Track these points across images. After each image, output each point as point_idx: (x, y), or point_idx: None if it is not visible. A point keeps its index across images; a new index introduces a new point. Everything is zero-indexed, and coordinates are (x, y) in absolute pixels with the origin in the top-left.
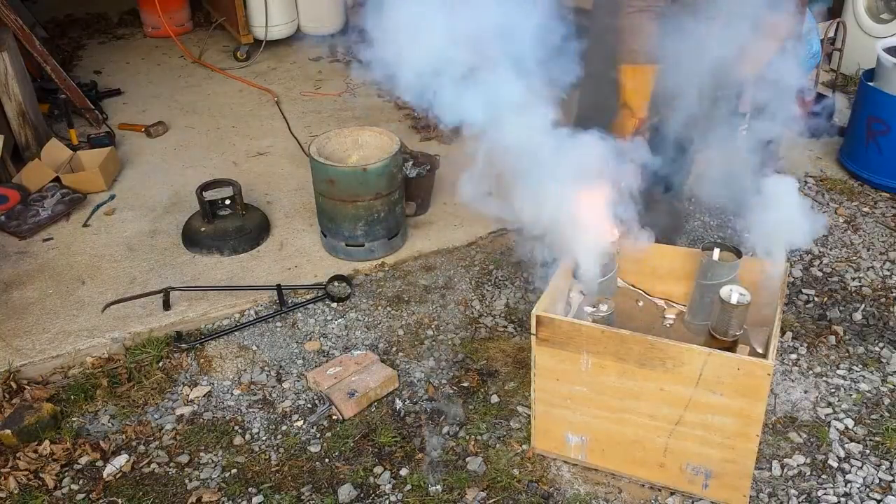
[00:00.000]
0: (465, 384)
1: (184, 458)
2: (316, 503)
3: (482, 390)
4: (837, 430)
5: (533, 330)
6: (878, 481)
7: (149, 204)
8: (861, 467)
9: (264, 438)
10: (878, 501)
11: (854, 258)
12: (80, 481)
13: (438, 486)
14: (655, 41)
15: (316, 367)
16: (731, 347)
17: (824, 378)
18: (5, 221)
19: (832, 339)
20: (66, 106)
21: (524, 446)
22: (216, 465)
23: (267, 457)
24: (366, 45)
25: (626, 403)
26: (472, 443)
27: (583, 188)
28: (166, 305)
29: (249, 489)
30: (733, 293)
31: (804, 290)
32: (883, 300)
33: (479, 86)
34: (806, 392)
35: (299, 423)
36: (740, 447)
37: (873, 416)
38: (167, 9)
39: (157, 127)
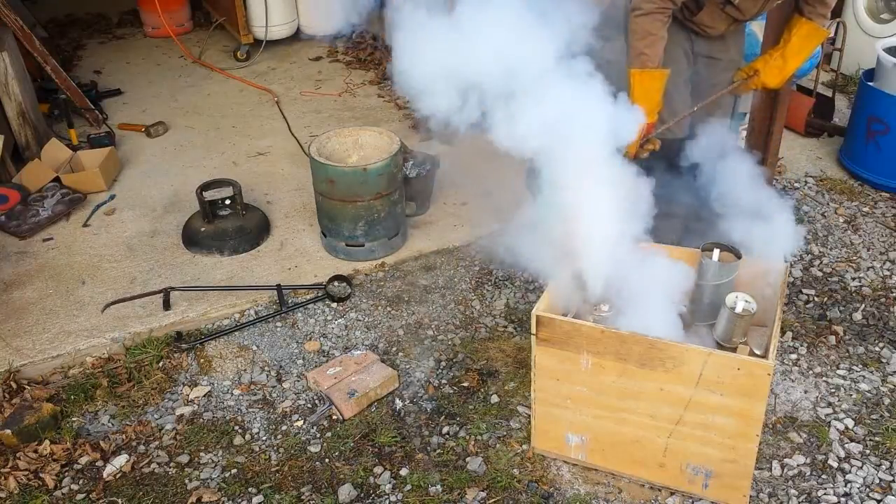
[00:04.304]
0: (465, 384)
1: (184, 458)
2: (316, 503)
3: (482, 390)
4: (837, 430)
5: (533, 330)
6: (878, 481)
7: (149, 204)
8: (861, 467)
9: (264, 438)
10: (878, 501)
11: (854, 258)
12: (80, 481)
13: (438, 486)
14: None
15: (316, 367)
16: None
17: (824, 378)
18: (5, 221)
19: (832, 339)
20: (66, 106)
21: (524, 446)
22: (216, 465)
23: (267, 457)
24: None
25: (626, 403)
26: (472, 443)
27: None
28: (166, 305)
29: (249, 489)
30: (739, 301)
31: (804, 290)
32: (883, 300)
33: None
34: (806, 392)
35: (299, 423)
36: (740, 447)
37: (873, 416)
38: (167, 9)
39: (157, 127)
